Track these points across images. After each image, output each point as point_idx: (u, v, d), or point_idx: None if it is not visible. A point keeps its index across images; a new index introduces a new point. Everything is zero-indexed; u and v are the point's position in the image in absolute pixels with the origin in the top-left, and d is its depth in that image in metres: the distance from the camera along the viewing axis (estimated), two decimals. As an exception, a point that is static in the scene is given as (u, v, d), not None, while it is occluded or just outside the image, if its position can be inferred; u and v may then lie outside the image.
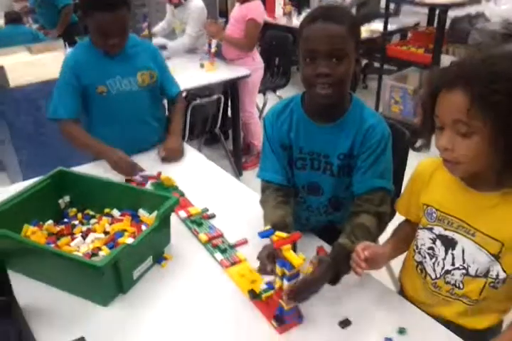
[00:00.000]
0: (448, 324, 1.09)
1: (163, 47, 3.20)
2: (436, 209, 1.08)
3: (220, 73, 3.05)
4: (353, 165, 1.31)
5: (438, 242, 1.09)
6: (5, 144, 2.83)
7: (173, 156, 1.84)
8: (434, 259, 1.10)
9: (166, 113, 2.16)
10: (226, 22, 3.34)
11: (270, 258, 1.08)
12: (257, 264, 1.27)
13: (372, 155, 1.26)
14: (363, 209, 1.25)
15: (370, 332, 1.07)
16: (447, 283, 1.09)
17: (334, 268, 1.12)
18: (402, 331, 1.06)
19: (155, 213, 1.29)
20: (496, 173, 0.95)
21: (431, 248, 1.10)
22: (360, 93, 4.19)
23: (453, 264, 1.07)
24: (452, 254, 1.06)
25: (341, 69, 1.16)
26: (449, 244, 1.07)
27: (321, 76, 1.15)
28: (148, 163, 1.81)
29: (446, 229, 1.07)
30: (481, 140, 0.90)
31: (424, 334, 1.06)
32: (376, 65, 4.32)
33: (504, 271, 1.01)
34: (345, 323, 1.09)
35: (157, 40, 3.32)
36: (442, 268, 1.09)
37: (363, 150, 1.27)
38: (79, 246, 1.29)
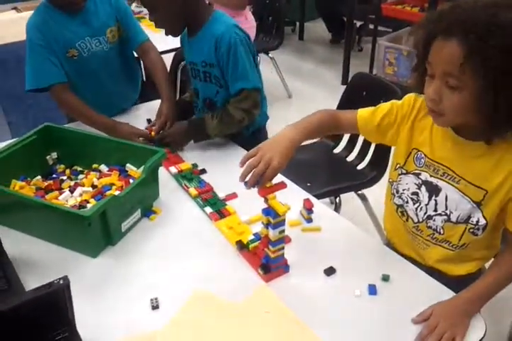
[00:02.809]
0: (430, 270, 1.11)
1: None
2: (425, 155, 1.08)
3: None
4: (214, 72, 1.56)
5: (423, 188, 1.09)
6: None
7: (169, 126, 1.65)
8: (417, 204, 1.11)
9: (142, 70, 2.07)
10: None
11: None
12: (246, 217, 1.29)
13: (228, 64, 1.50)
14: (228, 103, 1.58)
15: (355, 279, 1.09)
16: (429, 227, 1.10)
17: (188, 131, 1.59)
18: (385, 278, 1.08)
19: (143, 167, 1.28)
20: (479, 128, 0.94)
21: (415, 193, 1.10)
22: (355, 56, 4.11)
23: (435, 210, 1.07)
24: (435, 200, 1.07)
25: (160, 16, 1.49)
26: (433, 190, 1.07)
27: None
28: (132, 122, 1.75)
29: (431, 176, 1.07)
30: (468, 95, 0.88)
31: (406, 281, 1.08)
32: (371, 26, 4.22)
33: (484, 218, 1.02)
34: (330, 271, 1.10)
35: None
36: (425, 213, 1.10)
37: (219, 59, 1.52)
38: (67, 200, 1.29)
